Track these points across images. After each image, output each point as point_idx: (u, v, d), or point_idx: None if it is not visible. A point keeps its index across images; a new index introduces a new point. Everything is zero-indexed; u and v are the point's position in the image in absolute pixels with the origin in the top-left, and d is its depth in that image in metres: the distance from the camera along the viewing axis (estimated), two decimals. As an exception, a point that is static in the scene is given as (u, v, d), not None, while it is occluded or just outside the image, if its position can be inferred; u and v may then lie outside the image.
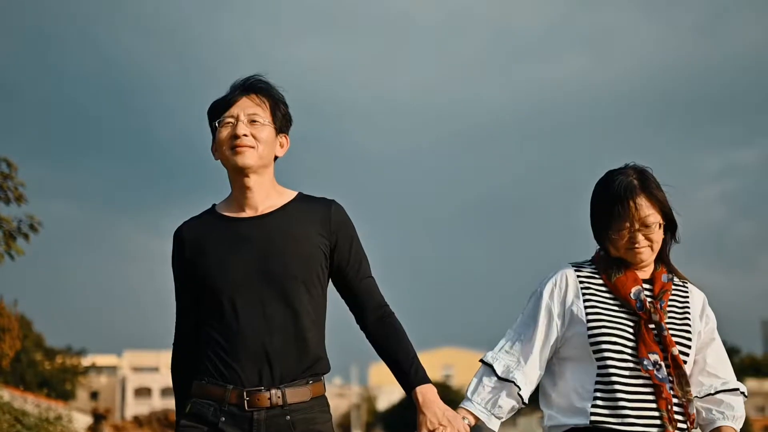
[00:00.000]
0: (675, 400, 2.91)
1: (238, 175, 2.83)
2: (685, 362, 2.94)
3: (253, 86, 2.86)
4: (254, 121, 2.82)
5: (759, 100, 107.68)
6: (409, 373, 2.82)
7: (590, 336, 2.93)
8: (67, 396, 45.87)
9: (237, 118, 2.81)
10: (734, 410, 2.97)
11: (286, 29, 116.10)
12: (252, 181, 2.83)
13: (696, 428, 2.98)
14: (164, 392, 65.86)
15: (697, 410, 3.00)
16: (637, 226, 2.95)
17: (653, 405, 2.89)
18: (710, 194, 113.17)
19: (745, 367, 56.22)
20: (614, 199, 2.97)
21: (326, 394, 2.88)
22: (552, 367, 3.06)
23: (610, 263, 3.03)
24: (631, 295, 2.96)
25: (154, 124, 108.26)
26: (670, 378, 2.91)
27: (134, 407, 60.30)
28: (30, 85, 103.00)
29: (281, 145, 2.91)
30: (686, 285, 3.10)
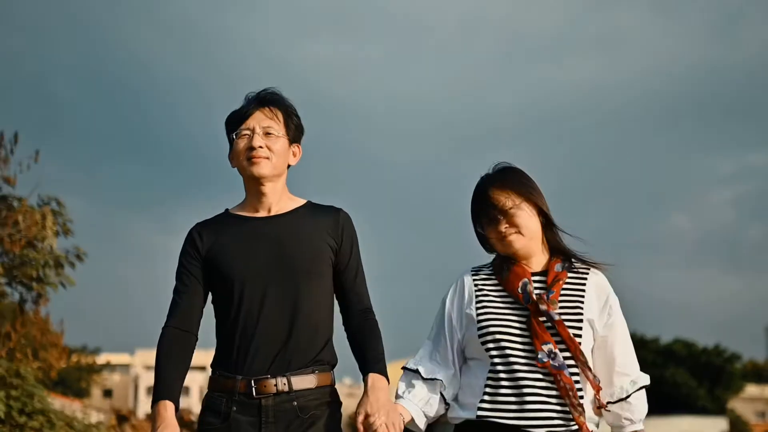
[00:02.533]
0: (578, 385, 2.90)
1: (254, 183, 3.00)
2: (579, 344, 2.92)
3: (267, 99, 3.01)
4: (269, 134, 2.97)
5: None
6: (369, 361, 2.94)
7: (479, 336, 2.97)
8: (82, 394, 46.66)
9: (253, 131, 2.96)
10: (641, 412, 3.01)
11: (295, 30, 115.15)
12: (267, 188, 2.99)
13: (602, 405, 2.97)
14: (176, 390, 66.42)
15: (608, 412, 3.00)
16: (497, 215, 3.01)
17: (552, 397, 2.89)
18: (722, 197, 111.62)
19: (747, 373, 55.55)
20: (474, 198, 3.08)
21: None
22: (464, 367, 3.10)
23: (501, 262, 3.08)
24: (519, 289, 2.98)
25: (160, 121, 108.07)
26: (569, 363, 2.90)
27: (146, 405, 60.70)
28: (38, 83, 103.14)
29: (294, 155, 3.06)
30: (587, 272, 3.06)
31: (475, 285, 3.07)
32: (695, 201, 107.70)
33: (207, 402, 2.93)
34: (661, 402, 50.69)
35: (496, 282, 3.05)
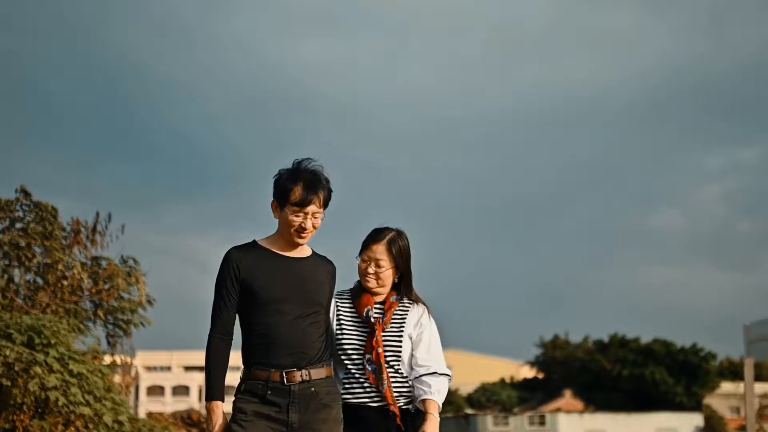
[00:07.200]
0: (392, 378, 3.99)
1: (294, 242, 3.86)
2: (393, 358, 4.01)
3: (318, 187, 3.80)
4: (315, 216, 3.82)
5: (761, 99, 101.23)
6: None
7: (336, 346, 4.02)
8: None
9: (307, 214, 3.78)
10: (431, 387, 4.00)
11: (286, 30, 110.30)
12: (300, 245, 3.91)
13: (397, 403, 4.00)
14: (176, 390, 66.67)
15: (413, 387, 4.03)
16: (369, 259, 4.06)
17: (373, 387, 3.96)
18: (712, 193, 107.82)
19: (723, 370, 56.16)
20: (366, 238, 4.12)
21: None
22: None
23: (357, 290, 4.13)
24: (364, 313, 4.03)
25: (151, 121, 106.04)
26: (376, 368, 3.97)
27: (147, 405, 60.59)
28: (28, 83, 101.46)
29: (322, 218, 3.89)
30: (411, 305, 4.12)
31: (336, 307, 4.09)
32: (685, 197, 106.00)
33: (245, 387, 3.77)
34: (640, 399, 52.00)
35: (351, 305, 4.09)
